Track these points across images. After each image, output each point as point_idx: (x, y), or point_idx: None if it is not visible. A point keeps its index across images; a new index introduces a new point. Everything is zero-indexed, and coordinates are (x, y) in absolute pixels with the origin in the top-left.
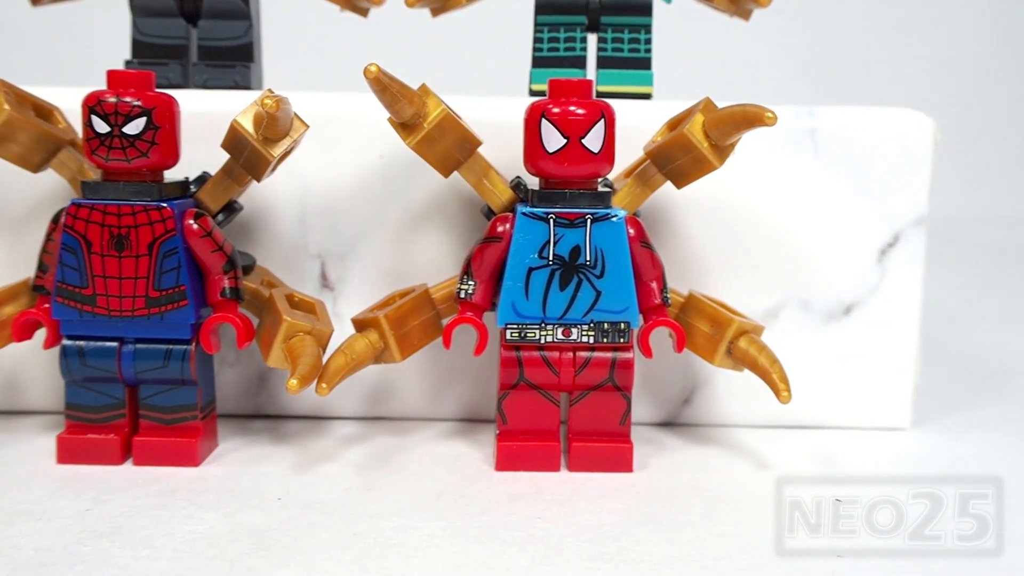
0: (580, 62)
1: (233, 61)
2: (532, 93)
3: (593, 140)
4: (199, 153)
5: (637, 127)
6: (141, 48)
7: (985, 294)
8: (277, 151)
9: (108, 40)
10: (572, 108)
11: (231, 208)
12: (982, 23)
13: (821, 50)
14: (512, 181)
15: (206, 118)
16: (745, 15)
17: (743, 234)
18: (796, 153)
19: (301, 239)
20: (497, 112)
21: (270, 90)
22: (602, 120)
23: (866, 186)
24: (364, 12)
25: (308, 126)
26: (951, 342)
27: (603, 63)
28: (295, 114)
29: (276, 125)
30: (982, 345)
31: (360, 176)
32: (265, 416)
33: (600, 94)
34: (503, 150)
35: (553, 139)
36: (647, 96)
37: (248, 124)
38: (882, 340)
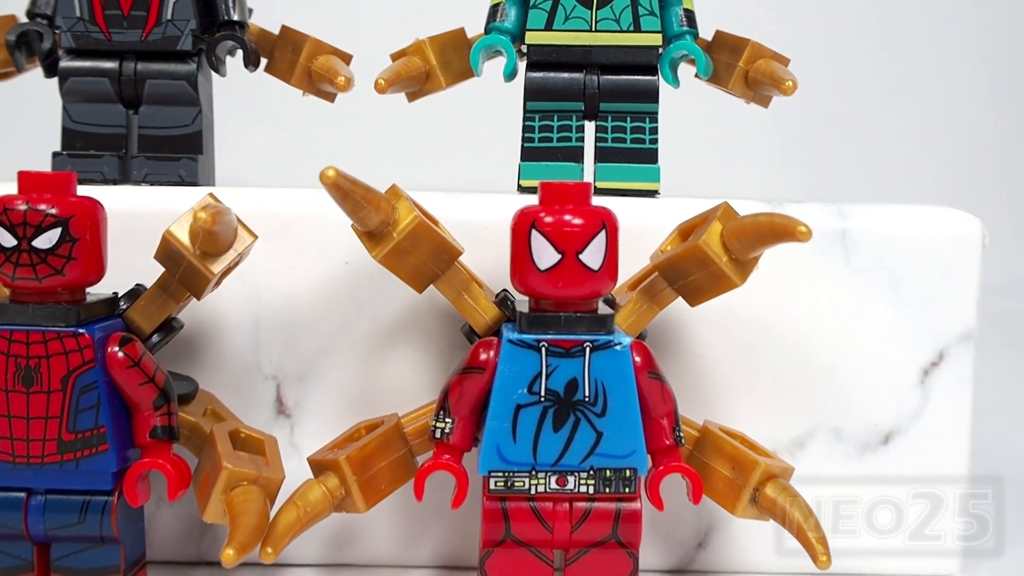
0: (576, 154)
1: (178, 153)
2: (521, 189)
3: (592, 255)
4: (137, 259)
5: (642, 229)
6: (72, 138)
7: None
8: (217, 267)
9: (33, 128)
10: (567, 218)
11: (169, 327)
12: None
13: (842, 138)
14: (498, 296)
15: (146, 218)
16: (764, 102)
17: (764, 352)
18: (824, 258)
19: (253, 358)
20: (481, 212)
21: (211, 195)
22: (603, 231)
23: (905, 296)
24: (331, 97)
25: (256, 236)
26: (1007, 470)
27: (602, 155)
28: (239, 223)
29: (215, 239)
30: None
31: (322, 285)
32: (208, 564)
33: (599, 191)
34: (488, 255)
35: (545, 254)
36: (653, 193)
37: (183, 236)
38: (926, 473)
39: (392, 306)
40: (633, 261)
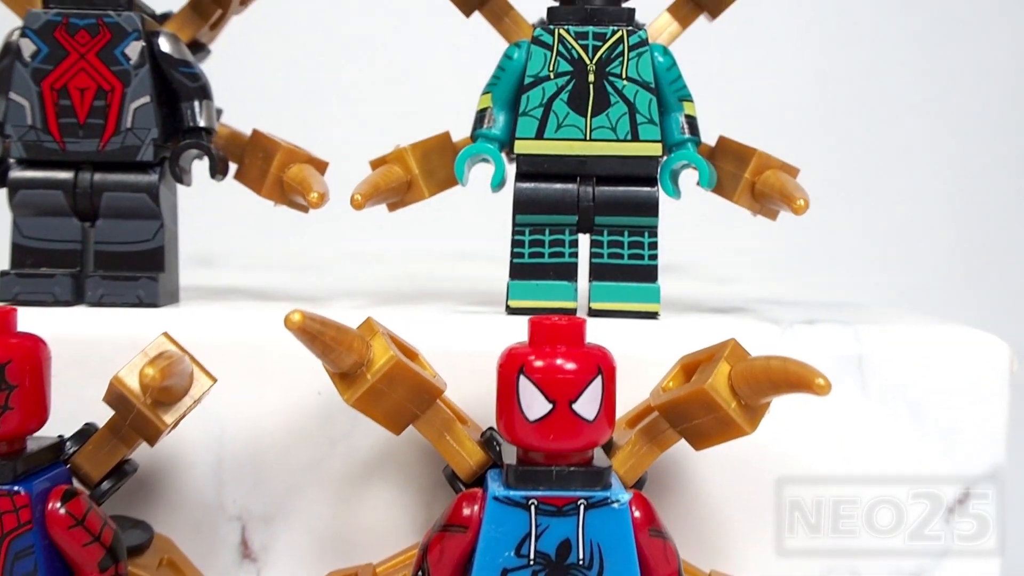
0: (570, 271)
1: (137, 271)
2: (510, 310)
3: (587, 404)
4: (90, 389)
5: (641, 356)
6: (22, 255)
7: None
8: (171, 418)
9: None
10: (559, 363)
11: (120, 471)
12: None
13: (856, 235)
14: (484, 434)
15: (100, 345)
16: (772, 215)
17: (772, 491)
18: (839, 385)
19: (216, 497)
20: (466, 339)
21: (165, 335)
22: (598, 378)
23: (927, 427)
24: (305, 208)
25: (215, 380)
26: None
27: (598, 272)
28: (196, 366)
29: (168, 390)
30: None
31: (292, 417)
32: None
33: (594, 312)
34: (473, 386)
35: (535, 403)
36: (653, 315)
37: (132, 383)
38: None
39: (368, 440)
40: (632, 391)
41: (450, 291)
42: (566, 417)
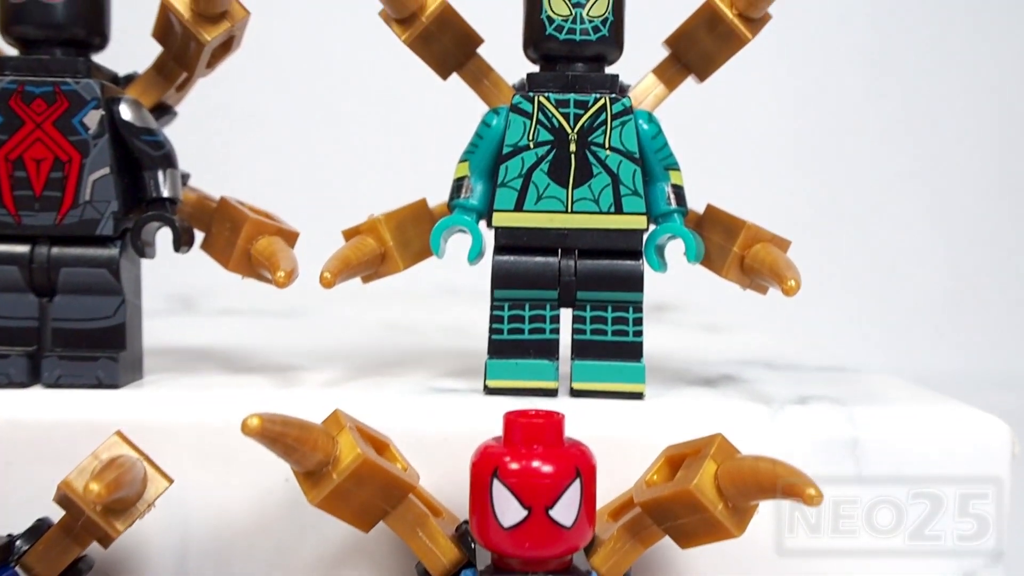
0: (551, 348)
1: (97, 350)
2: (488, 390)
3: (564, 510)
4: (46, 475)
5: (625, 440)
6: None
7: None
8: (122, 525)
9: None
10: (535, 465)
11: (75, 571)
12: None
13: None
14: (459, 528)
15: (57, 430)
16: (762, 290)
17: None
18: (832, 470)
19: None
20: (439, 420)
21: (118, 434)
22: (577, 480)
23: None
24: (271, 281)
25: (171, 481)
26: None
27: (580, 350)
28: (150, 467)
29: (119, 500)
30: None
31: (259, 505)
32: None
33: (576, 392)
34: (446, 472)
35: (509, 509)
36: (638, 396)
37: (80, 488)
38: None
39: (339, 530)
40: (615, 476)
41: (429, 352)
42: (542, 524)
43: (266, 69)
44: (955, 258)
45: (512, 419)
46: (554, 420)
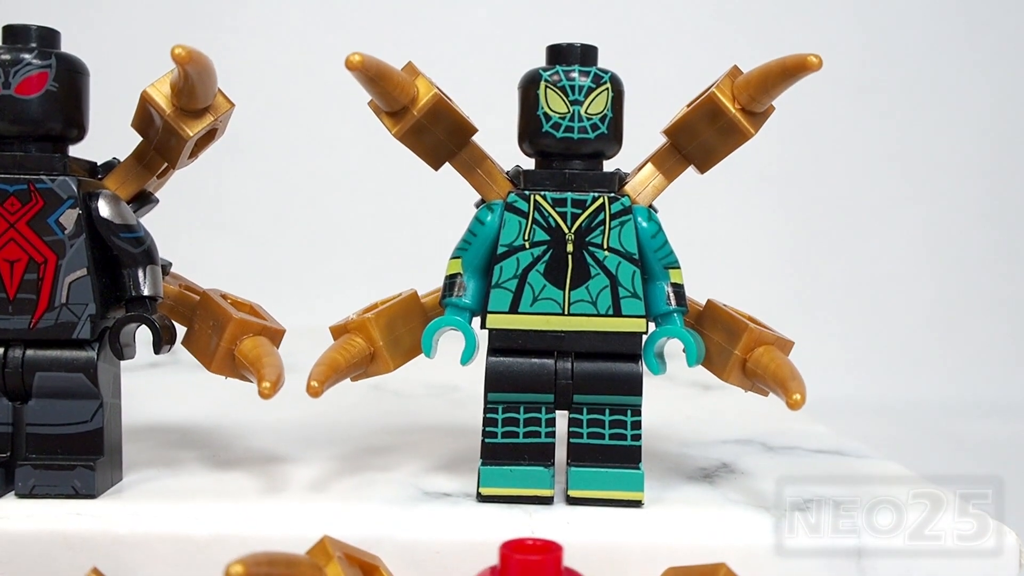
0: (546, 453)
1: (73, 457)
2: (481, 498)
3: None
4: None
5: (625, 549)
6: None
7: None
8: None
9: None
10: None
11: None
12: None
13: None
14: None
15: (29, 544)
16: (763, 393)
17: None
18: None
19: None
20: (433, 530)
21: (94, 571)
22: None
23: None
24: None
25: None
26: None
27: (577, 454)
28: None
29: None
30: None
31: None
32: None
33: (572, 500)
34: None
35: None
36: (636, 504)
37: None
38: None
39: None
40: None
41: (418, 427)
42: None
43: (252, 143)
44: (940, 286)
45: (508, 555)
46: (552, 557)
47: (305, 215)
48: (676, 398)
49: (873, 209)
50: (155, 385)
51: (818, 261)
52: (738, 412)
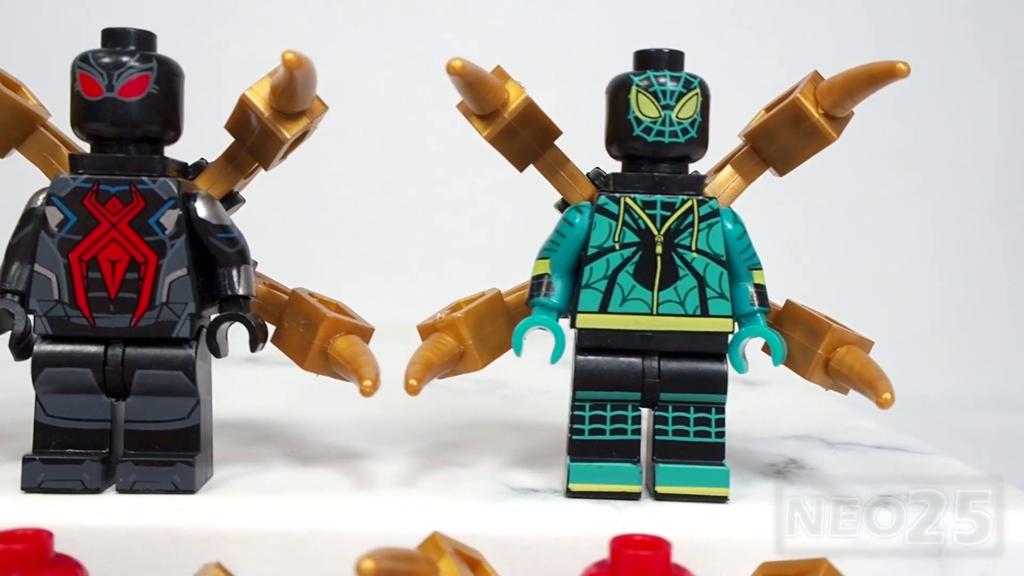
0: (633, 449)
1: (172, 453)
2: (570, 493)
3: None
4: None
5: (708, 545)
6: (47, 436)
7: None
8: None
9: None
10: None
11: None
12: None
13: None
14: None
15: (133, 539)
16: (844, 391)
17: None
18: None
19: None
20: (532, 526)
21: (219, 566)
22: None
23: None
24: (349, 381)
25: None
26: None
27: (662, 451)
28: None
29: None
30: None
31: None
32: None
33: (659, 496)
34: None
35: None
36: (722, 500)
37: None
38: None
39: None
40: None
41: (482, 424)
42: None
43: (333, 149)
44: (948, 280)
45: (619, 551)
46: (662, 552)
47: (341, 217)
48: None
49: (882, 205)
50: (234, 385)
51: (827, 257)
52: (784, 409)
